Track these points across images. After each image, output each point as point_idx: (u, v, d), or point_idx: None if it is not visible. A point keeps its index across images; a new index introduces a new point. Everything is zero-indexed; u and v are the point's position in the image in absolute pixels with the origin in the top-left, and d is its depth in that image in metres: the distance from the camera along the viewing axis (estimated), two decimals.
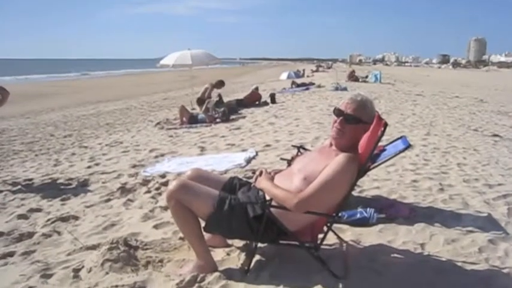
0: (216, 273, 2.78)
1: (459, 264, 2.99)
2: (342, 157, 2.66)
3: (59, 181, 5.95)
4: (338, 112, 2.83)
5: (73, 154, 8.14)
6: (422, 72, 58.76)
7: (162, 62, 16.02)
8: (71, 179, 5.99)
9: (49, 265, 3.18)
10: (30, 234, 3.91)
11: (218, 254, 3.13)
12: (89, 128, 12.11)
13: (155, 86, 33.26)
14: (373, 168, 3.33)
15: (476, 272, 2.88)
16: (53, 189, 5.57)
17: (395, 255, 3.15)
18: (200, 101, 12.66)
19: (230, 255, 3.15)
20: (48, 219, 4.30)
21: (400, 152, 3.29)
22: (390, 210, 3.90)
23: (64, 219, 4.32)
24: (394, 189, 4.73)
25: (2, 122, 13.66)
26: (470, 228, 3.60)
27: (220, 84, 13.55)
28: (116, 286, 2.68)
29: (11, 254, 3.49)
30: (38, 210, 4.72)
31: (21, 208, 4.82)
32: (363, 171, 2.81)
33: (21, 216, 4.49)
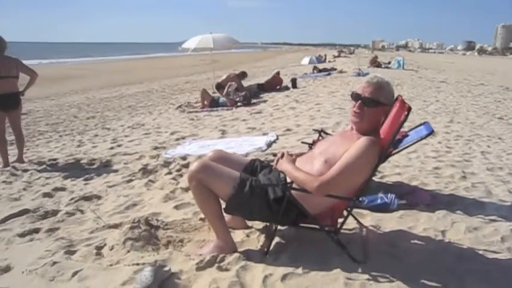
0: (236, 254, 2.80)
1: (480, 252, 2.96)
2: (363, 140, 2.65)
3: (82, 161, 6.07)
4: (356, 96, 2.82)
5: (96, 135, 8.28)
6: (447, 59, 57.74)
7: (184, 45, 16.03)
8: (94, 159, 6.10)
9: (72, 242, 3.27)
10: (55, 212, 4.02)
11: (238, 236, 3.16)
12: (111, 110, 12.27)
13: (177, 69, 33.38)
14: (395, 153, 3.30)
15: (498, 261, 2.85)
16: (76, 169, 5.70)
17: (416, 241, 3.12)
18: (219, 86, 12.68)
19: (250, 236, 3.17)
20: (72, 198, 4.41)
21: (423, 138, 3.24)
22: (411, 197, 3.87)
23: (87, 198, 4.42)
24: (416, 176, 4.68)
25: (28, 104, 13.90)
26: (493, 217, 3.55)
27: (243, 75, 13.51)
28: (137, 264, 2.72)
29: (36, 231, 3.60)
30: (62, 189, 4.84)
31: (46, 187, 4.94)
32: (384, 156, 2.79)
33: (46, 195, 4.62)
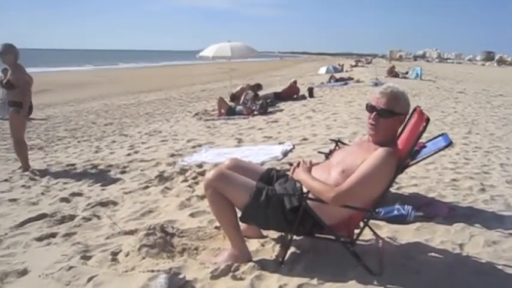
0: (250, 264, 2.79)
1: (499, 267, 2.90)
2: (381, 151, 2.63)
3: (99, 167, 6.13)
4: (371, 108, 2.80)
5: (113, 142, 8.36)
6: (465, 70, 57.09)
7: (201, 53, 16.13)
8: (111, 165, 6.16)
9: (89, 247, 3.30)
10: (72, 217, 4.06)
11: (253, 245, 3.14)
12: (129, 117, 12.39)
13: (194, 77, 33.62)
14: (413, 165, 3.27)
15: None
16: (93, 174, 5.76)
17: (433, 254, 3.08)
18: (234, 97, 12.71)
19: (265, 246, 3.15)
20: (89, 204, 4.45)
21: (441, 149, 3.22)
22: (428, 209, 3.82)
23: (103, 204, 4.46)
24: (433, 187, 4.62)
25: (48, 109, 14.13)
26: None
27: (258, 87, 13.49)
28: (152, 271, 2.72)
29: (53, 235, 3.64)
30: (79, 194, 4.90)
31: (63, 192, 5.00)
32: (402, 167, 2.77)
33: (63, 200, 4.68)
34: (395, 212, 3.68)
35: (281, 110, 11.83)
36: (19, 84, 5.94)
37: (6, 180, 5.60)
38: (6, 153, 7.61)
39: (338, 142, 3.65)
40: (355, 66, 45.70)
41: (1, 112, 12.08)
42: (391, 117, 2.73)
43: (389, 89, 2.78)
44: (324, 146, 6.34)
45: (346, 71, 34.18)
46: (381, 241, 3.25)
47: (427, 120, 2.61)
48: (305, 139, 7.34)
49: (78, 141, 8.72)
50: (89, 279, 2.71)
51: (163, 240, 3.19)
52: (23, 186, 5.33)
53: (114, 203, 4.50)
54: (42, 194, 4.97)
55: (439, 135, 3.50)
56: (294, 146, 6.81)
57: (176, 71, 47.17)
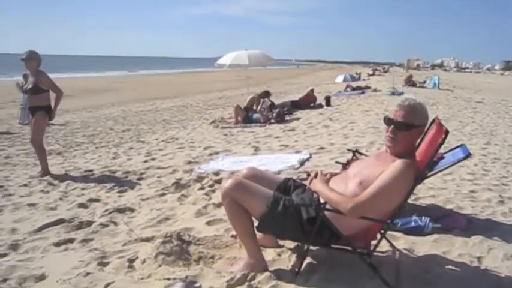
0: (267, 273, 2.79)
1: None
2: (399, 163, 2.62)
3: (116, 173, 6.19)
4: (388, 121, 2.78)
5: (131, 148, 8.43)
6: (484, 79, 56.45)
7: (219, 61, 16.22)
8: (128, 172, 6.21)
9: (105, 253, 3.33)
10: (89, 223, 4.11)
11: (269, 254, 3.14)
12: (146, 124, 12.48)
13: (211, 85, 33.81)
14: (430, 176, 3.24)
15: None
16: (111, 181, 5.80)
17: (450, 267, 3.04)
18: (247, 110, 12.73)
19: (281, 256, 3.16)
20: (106, 210, 4.50)
21: (460, 160, 3.18)
22: (446, 220, 3.77)
23: (121, 210, 4.51)
24: (451, 198, 4.57)
25: (66, 115, 14.33)
26: None
27: (266, 94, 13.51)
28: (168, 279, 2.74)
29: (71, 241, 3.69)
30: (97, 200, 4.95)
31: (81, 197, 5.06)
32: (420, 178, 2.75)
33: (81, 205, 4.74)
34: (413, 224, 3.65)
35: (298, 119, 11.83)
36: (49, 88, 6.14)
37: (25, 185, 5.69)
38: (26, 158, 7.72)
39: (355, 152, 3.64)
40: (372, 74, 45.53)
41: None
42: (409, 130, 2.72)
43: (407, 102, 2.76)
44: (340, 155, 6.32)
45: (363, 80, 34.05)
46: (397, 253, 3.23)
47: (446, 132, 2.59)
48: (322, 148, 7.32)
49: (96, 147, 8.82)
50: (106, 286, 2.74)
51: (179, 248, 3.20)
52: (42, 191, 5.41)
53: (131, 210, 4.54)
54: (61, 199, 5.04)
55: (458, 146, 3.46)
56: (310, 155, 6.79)
57: (193, 78, 47.49)
